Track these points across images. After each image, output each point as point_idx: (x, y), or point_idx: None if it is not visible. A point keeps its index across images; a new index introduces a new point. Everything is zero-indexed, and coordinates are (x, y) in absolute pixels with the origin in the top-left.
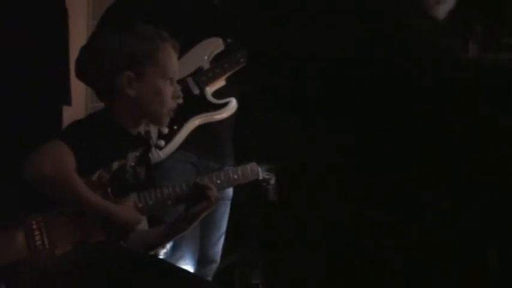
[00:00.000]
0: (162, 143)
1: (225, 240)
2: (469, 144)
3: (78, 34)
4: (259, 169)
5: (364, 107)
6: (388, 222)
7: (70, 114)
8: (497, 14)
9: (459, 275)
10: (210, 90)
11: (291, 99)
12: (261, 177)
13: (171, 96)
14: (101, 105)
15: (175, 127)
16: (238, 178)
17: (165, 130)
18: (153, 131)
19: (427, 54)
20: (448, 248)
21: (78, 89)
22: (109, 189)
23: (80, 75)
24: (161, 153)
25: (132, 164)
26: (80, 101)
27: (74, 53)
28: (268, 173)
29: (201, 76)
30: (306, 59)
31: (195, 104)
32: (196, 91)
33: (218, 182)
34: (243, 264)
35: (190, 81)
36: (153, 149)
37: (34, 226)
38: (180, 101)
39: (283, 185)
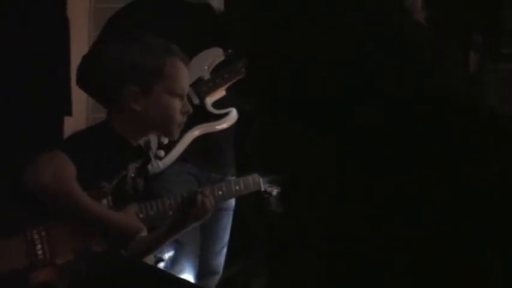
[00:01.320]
0: (162, 153)
1: (227, 250)
2: (469, 144)
3: (80, 44)
4: (261, 180)
5: (364, 109)
6: (395, 227)
7: (71, 124)
8: (496, 24)
9: (459, 276)
10: (210, 100)
11: (291, 102)
12: (262, 189)
13: (179, 111)
14: (102, 115)
15: None
16: (240, 189)
17: (165, 140)
18: (153, 141)
19: (426, 57)
20: (448, 250)
21: (79, 100)
22: (110, 200)
23: (81, 84)
24: (161, 163)
25: (132, 175)
26: (81, 111)
27: (75, 64)
28: (270, 185)
29: (202, 86)
30: (307, 62)
31: (195, 114)
32: (196, 101)
33: (220, 193)
34: (245, 275)
35: (190, 91)
36: (153, 159)
37: (35, 235)
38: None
39: (286, 194)
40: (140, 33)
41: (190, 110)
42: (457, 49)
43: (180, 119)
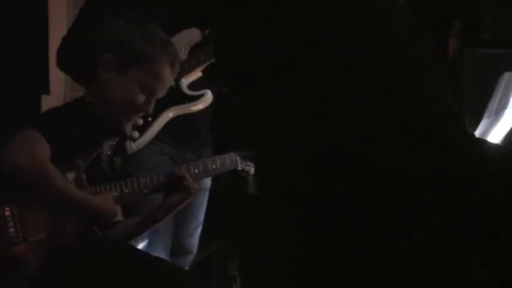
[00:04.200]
0: (136, 134)
1: (202, 230)
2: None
3: (58, 23)
4: (238, 159)
5: (348, 100)
6: (372, 215)
7: (49, 103)
8: (476, 9)
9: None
10: (186, 81)
11: (273, 92)
12: (239, 168)
13: (138, 105)
14: (80, 94)
15: (149, 118)
16: (216, 168)
17: (140, 121)
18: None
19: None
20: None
21: (57, 78)
22: (84, 177)
23: (62, 62)
24: (134, 144)
25: (108, 153)
26: (58, 90)
27: (53, 43)
28: (248, 164)
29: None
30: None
31: (170, 96)
32: (172, 82)
33: (196, 171)
34: (220, 256)
35: None
36: (127, 140)
37: (7, 213)
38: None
39: (263, 175)
40: (146, 20)
41: (149, 111)
42: (436, 41)
43: (133, 112)
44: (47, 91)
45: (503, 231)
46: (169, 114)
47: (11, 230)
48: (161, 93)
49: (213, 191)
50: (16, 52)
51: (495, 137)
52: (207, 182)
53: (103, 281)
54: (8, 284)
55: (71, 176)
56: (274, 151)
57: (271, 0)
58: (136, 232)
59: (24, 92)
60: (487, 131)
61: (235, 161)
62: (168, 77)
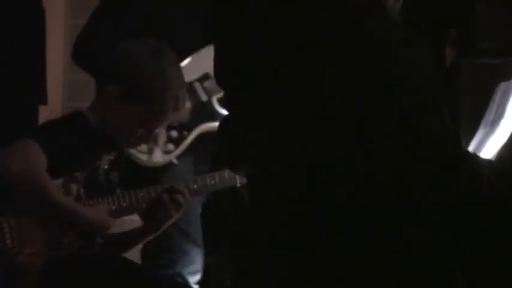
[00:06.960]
0: (172, 147)
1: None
2: None
3: (55, 33)
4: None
5: (348, 100)
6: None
7: (46, 113)
8: (472, 19)
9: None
10: (216, 98)
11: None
12: (238, 184)
13: (135, 137)
14: (77, 105)
15: (185, 132)
16: (215, 184)
17: (175, 134)
18: (162, 135)
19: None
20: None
21: (55, 89)
22: (81, 190)
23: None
24: (170, 156)
25: (105, 167)
26: (56, 100)
27: (50, 52)
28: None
29: (210, 84)
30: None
31: (203, 112)
32: (204, 98)
33: (195, 187)
34: (219, 268)
35: (197, 86)
36: (161, 152)
37: (4, 223)
38: None
39: (255, 187)
40: (169, 53)
41: (148, 143)
42: (429, 49)
43: (131, 140)
44: (44, 101)
45: (503, 231)
46: (203, 128)
47: (8, 241)
48: (157, 130)
49: (212, 205)
50: (12, 61)
51: (491, 147)
52: None
53: None
54: None
55: (69, 187)
56: (274, 151)
57: (271, 0)
58: (129, 245)
59: (21, 102)
60: (483, 141)
61: (234, 177)
62: (169, 118)
